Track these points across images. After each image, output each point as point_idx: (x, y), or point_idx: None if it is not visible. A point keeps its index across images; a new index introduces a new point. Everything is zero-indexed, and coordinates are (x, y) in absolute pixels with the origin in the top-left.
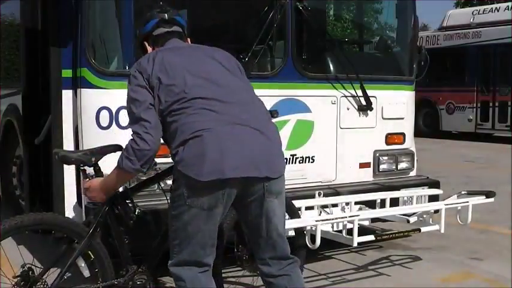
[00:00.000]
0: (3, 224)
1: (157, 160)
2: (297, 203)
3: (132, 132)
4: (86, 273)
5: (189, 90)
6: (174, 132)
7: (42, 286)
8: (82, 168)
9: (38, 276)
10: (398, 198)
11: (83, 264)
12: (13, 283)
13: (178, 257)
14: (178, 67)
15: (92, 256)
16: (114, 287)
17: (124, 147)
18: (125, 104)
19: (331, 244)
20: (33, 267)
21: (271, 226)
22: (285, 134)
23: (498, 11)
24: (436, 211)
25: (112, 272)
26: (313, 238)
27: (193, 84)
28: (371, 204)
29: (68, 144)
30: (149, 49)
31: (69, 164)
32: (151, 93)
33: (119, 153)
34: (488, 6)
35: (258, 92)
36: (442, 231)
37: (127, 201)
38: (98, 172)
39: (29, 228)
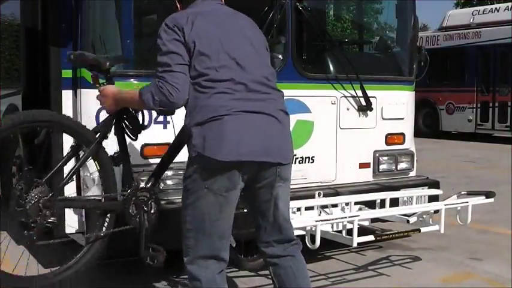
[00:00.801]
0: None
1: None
2: (297, 203)
3: (161, 74)
4: (90, 183)
5: (220, 69)
6: (193, 108)
7: (42, 192)
8: (93, 74)
9: (41, 183)
10: (398, 199)
11: (88, 174)
12: (15, 184)
13: (195, 252)
14: (214, 39)
15: (98, 166)
16: (116, 204)
17: (155, 81)
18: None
19: (331, 244)
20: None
21: (278, 211)
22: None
23: (498, 11)
24: (436, 211)
25: (115, 185)
26: (313, 238)
27: (224, 65)
28: (371, 205)
29: (68, 145)
30: (179, 6)
31: (84, 64)
32: (186, 52)
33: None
34: (488, 7)
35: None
36: (442, 231)
37: (136, 115)
38: (109, 80)
39: (41, 124)
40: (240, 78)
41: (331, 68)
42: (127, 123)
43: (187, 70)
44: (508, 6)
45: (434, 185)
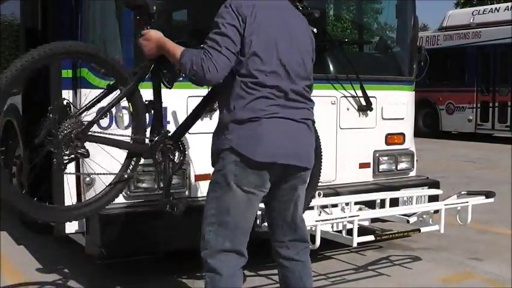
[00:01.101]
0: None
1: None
2: None
3: (209, 48)
4: (122, 125)
5: (269, 74)
6: (235, 104)
7: (75, 124)
8: (139, 17)
9: (75, 115)
10: (398, 199)
11: (120, 115)
12: (48, 113)
13: (216, 245)
14: (271, 41)
15: (131, 107)
16: (143, 148)
17: (200, 52)
18: (124, 104)
19: (331, 244)
20: (71, 104)
21: (297, 212)
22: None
23: (498, 11)
24: (436, 211)
25: (145, 129)
26: (313, 238)
27: (274, 71)
28: (371, 205)
29: None
30: None
31: (132, 6)
32: (240, 42)
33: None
34: (488, 7)
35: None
36: (442, 231)
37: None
38: (151, 24)
39: (80, 56)
40: (284, 86)
41: (331, 68)
42: (164, 71)
43: (234, 59)
44: (508, 6)
45: (434, 185)
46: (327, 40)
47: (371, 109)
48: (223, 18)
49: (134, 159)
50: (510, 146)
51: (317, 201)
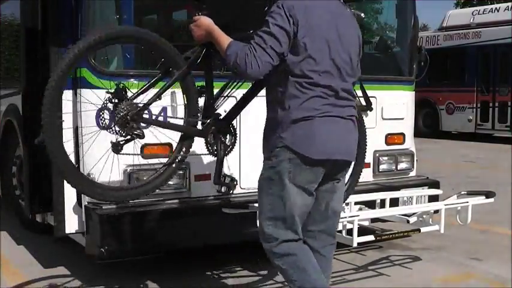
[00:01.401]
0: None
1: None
2: None
3: (255, 45)
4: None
5: (323, 74)
6: (290, 103)
7: (130, 106)
8: (193, 2)
9: (131, 98)
10: (398, 199)
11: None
12: (105, 98)
13: (278, 237)
14: (324, 43)
15: (183, 91)
16: (196, 131)
17: (246, 47)
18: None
19: None
20: (127, 88)
21: (331, 202)
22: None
23: (498, 11)
24: (436, 211)
25: (198, 111)
26: None
27: (327, 70)
28: (371, 204)
29: (68, 145)
30: None
31: None
32: (287, 44)
33: None
34: (488, 7)
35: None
36: (442, 231)
37: None
38: (202, 10)
39: (135, 41)
40: (336, 85)
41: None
42: (214, 54)
43: (277, 59)
44: (508, 6)
45: (434, 185)
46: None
47: (371, 109)
48: (273, 19)
49: (186, 141)
50: (510, 146)
51: None
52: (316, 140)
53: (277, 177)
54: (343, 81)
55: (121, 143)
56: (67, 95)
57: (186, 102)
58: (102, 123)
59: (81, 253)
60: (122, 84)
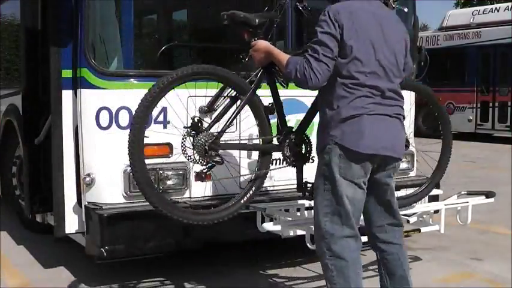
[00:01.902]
0: (167, 78)
1: (158, 160)
2: (296, 204)
3: (309, 57)
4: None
5: (369, 75)
6: (338, 103)
7: (207, 136)
8: (246, 30)
9: (206, 128)
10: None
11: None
12: (183, 132)
13: (335, 233)
14: (369, 45)
15: (253, 112)
16: (271, 146)
17: (303, 61)
18: (124, 104)
19: None
20: (202, 120)
21: (393, 197)
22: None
23: (498, 11)
24: (436, 211)
25: (270, 129)
26: (313, 238)
27: (373, 71)
28: None
29: (68, 145)
30: None
31: (236, 23)
32: (337, 47)
33: None
34: (488, 7)
35: (258, 92)
36: (442, 231)
37: None
38: (259, 35)
39: (197, 77)
40: (382, 85)
41: None
42: (277, 73)
43: (332, 64)
44: (508, 6)
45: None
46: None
47: None
48: (321, 27)
49: (265, 157)
50: (510, 146)
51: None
52: (364, 136)
53: (330, 174)
54: (390, 82)
55: (204, 171)
56: (67, 94)
57: (257, 122)
58: (185, 155)
59: (81, 253)
60: (196, 118)
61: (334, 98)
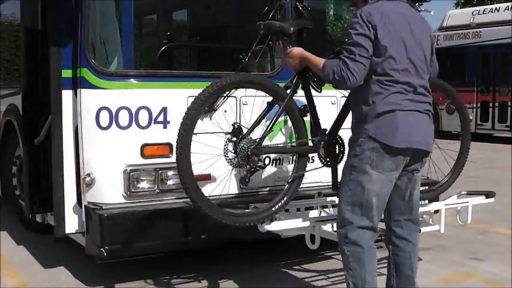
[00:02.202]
0: (212, 86)
1: (158, 160)
2: (297, 203)
3: (346, 59)
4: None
5: (402, 72)
6: (374, 100)
7: (249, 142)
8: (281, 39)
9: (246, 134)
10: None
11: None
12: (226, 138)
13: (354, 222)
14: (401, 44)
15: (290, 117)
16: (307, 149)
17: (339, 62)
18: (124, 104)
19: (331, 244)
20: (241, 126)
21: (414, 192)
22: (285, 134)
23: (498, 11)
24: (436, 211)
25: (306, 133)
26: (313, 238)
27: (405, 68)
28: None
29: (68, 145)
30: None
31: (272, 32)
32: (371, 47)
33: None
34: (488, 7)
35: (258, 92)
36: (442, 231)
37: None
38: (294, 42)
39: (237, 85)
40: (413, 82)
41: None
42: (311, 79)
43: (368, 63)
44: (508, 6)
45: (435, 185)
46: (327, 40)
47: None
48: (354, 29)
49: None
50: (510, 146)
51: (317, 201)
52: (398, 130)
53: (360, 165)
54: (420, 78)
55: (247, 175)
56: (67, 94)
57: (294, 126)
58: (228, 161)
59: (81, 253)
60: (237, 124)
61: (369, 94)
